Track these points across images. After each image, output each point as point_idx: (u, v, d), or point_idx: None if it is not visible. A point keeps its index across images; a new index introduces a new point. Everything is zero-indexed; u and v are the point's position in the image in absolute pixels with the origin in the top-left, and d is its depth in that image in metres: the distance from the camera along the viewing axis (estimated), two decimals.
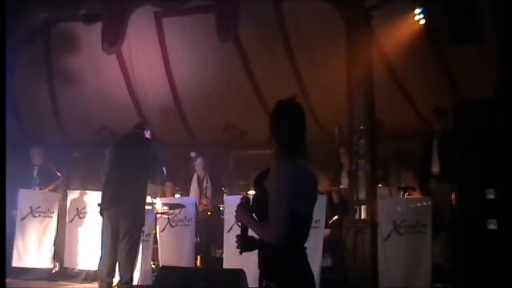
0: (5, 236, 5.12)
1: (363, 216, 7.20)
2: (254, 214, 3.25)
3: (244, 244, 3.30)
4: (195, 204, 8.35)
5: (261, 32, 9.40)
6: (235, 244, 7.38)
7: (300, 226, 3.16)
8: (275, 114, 3.34)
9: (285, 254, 3.10)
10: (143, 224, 7.18)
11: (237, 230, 7.41)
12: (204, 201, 9.11)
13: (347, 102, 7.38)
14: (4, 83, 5.66)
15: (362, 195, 7.13)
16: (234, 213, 3.35)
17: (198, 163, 9.32)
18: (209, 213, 9.06)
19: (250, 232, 3.28)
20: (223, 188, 9.50)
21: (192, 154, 9.41)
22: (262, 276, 3.23)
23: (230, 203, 8.00)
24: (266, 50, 9.60)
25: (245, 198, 3.32)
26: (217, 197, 9.18)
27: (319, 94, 9.32)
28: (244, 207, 3.29)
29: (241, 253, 3.31)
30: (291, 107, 3.33)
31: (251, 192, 8.13)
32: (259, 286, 3.26)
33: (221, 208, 8.84)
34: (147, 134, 7.58)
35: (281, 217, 3.04)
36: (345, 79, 7.44)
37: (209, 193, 9.17)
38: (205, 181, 9.28)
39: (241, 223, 3.33)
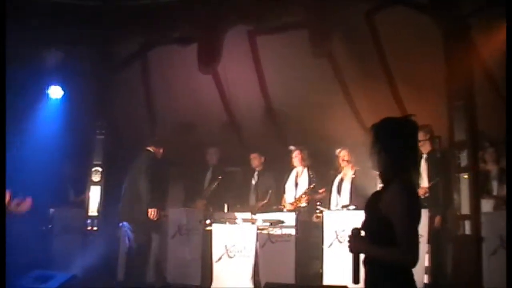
0: (5, 236, 5.27)
1: (466, 231, 6.97)
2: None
3: (358, 275, 3.25)
4: (296, 219, 8.30)
5: (355, 46, 9.34)
6: (335, 260, 7.38)
7: None
8: (389, 131, 3.25)
9: (394, 271, 3.06)
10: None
11: (337, 246, 7.47)
12: (302, 199, 8.95)
13: (446, 113, 7.21)
14: (4, 83, 5.83)
15: (465, 210, 6.91)
16: (348, 244, 3.28)
17: (295, 156, 9.22)
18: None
19: None
20: (319, 204, 9.37)
21: (291, 147, 9.33)
22: None
23: (329, 219, 7.98)
24: (360, 63, 9.53)
25: (356, 229, 3.26)
26: (315, 193, 9.01)
27: (416, 106, 9.13)
28: (358, 237, 3.24)
29: (355, 283, 3.24)
30: (407, 124, 3.26)
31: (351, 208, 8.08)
32: None
33: (318, 210, 8.76)
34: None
35: (413, 239, 3.00)
36: (444, 90, 7.28)
37: (307, 189, 8.98)
38: (303, 176, 9.16)
39: (354, 254, 3.25)
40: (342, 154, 8.68)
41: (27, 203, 6.00)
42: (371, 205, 3.22)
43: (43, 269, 7.97)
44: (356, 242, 3.23)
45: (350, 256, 3.25)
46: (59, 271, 7.73)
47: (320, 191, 8.95)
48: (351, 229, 3.27)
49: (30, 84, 9.71)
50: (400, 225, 3.01)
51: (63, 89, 9.97)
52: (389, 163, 3.20)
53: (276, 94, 10.52)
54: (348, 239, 3.28)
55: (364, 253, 3.21)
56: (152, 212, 8.42)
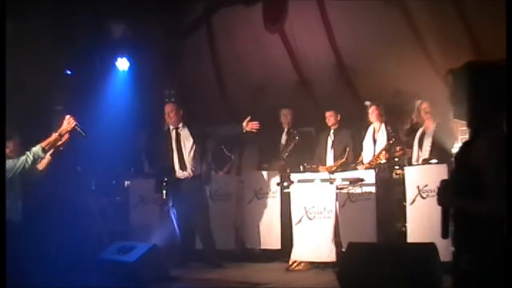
0: (5, 233, 5.23)
1: None
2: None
3: (447, 229, 3.03)
4: (375, 176, 8.02)
5: None
6: (419, 217, 7.10)
7: None
8: (478, 74, 2.93)
9: (486, 225, 2.80)
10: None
11: (420, 202, 7.20)
12: (381, 155, 8.55)
13: None
14: (4, 82, 5.76)
15: None
16: (436, 197, 3.06)
17: (371, 111, 8.83)
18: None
19: None
20: (397, 159, 9.00)
21: (367, 103, 9.02)
22: (460, 250, 2.96)
23: (410, 174, 7.70)
24: (434, 12, 9.05)
25: (445, 181, 3.02)
26: (393, 149, 8.58)
27: (496, 56, 8.63)
28: (447, 189, 2.99)
29: (444, 238, 3.03)
30: (498, 66, 2.94)
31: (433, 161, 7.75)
32: (455, 259, 2.98)
33: (396, 167, 8.46)
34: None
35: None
36: None
37: (386, 144, 8.57)
38: (381, 132, 8.78)
39: (443, 208, 3.02)
40: (424, 106, 8.27)
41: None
42: (461, 156, 2.97)
43: (124, 240, 8.08)
44: (444, 195, 2.99)
45: (434, 212, 3.05)
46: (139, 242, 7.79)
47: (398, 148, 8.58)
48: (440, 181, 3.03)
49: (98, 58, 9.81)
50: (493, 177, 2.73)
51: (129, 60, 10.01)
52: (478, 109, 2.91)
53: (346, 49, 10.15)
54: (436, 191, 3.05)
55: (453, 206, 2.97)
56: None
